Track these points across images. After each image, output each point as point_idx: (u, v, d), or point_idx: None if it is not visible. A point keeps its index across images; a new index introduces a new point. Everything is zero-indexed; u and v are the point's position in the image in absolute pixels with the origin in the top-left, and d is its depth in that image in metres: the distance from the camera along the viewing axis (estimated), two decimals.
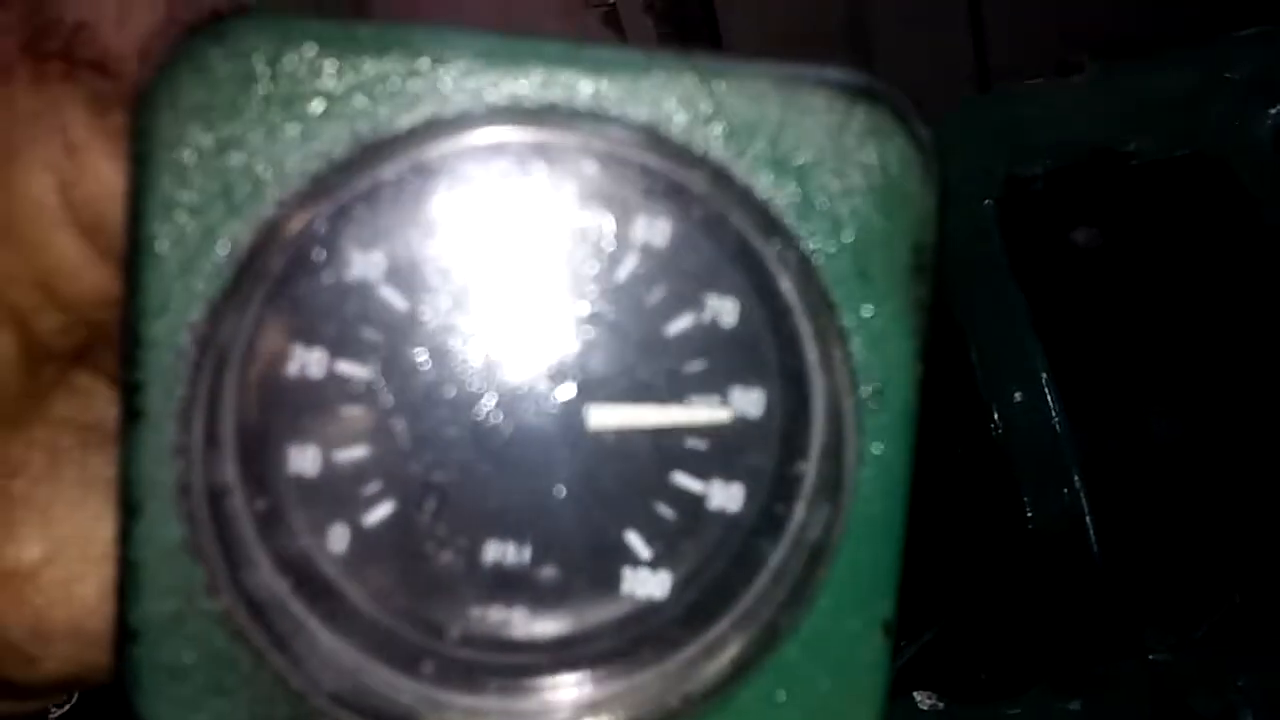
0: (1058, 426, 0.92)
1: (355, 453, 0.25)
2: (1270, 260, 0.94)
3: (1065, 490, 0.91)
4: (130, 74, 0.24)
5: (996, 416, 0.93)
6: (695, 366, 0.24)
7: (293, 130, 0.22)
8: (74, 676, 0.30)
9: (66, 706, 1.02)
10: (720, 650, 0.25)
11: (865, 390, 0.23)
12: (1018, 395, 0.93)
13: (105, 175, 0.24)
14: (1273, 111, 1.07)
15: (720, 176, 0.23)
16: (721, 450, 0.24)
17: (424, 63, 0.22)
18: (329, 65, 0.22)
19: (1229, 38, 1.17)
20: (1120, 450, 0.99)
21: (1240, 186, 0.99)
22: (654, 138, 0.22)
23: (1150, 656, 0.82)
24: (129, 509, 0.24)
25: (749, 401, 0.25)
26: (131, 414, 0.24)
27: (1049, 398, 0.93)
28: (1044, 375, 0.94)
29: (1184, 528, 1.01)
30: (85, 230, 0.25)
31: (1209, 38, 1.19)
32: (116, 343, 0.25)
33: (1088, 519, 0.89)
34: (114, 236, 0.24)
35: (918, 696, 0.83)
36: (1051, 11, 3.23)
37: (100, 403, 0.29)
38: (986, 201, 1.08)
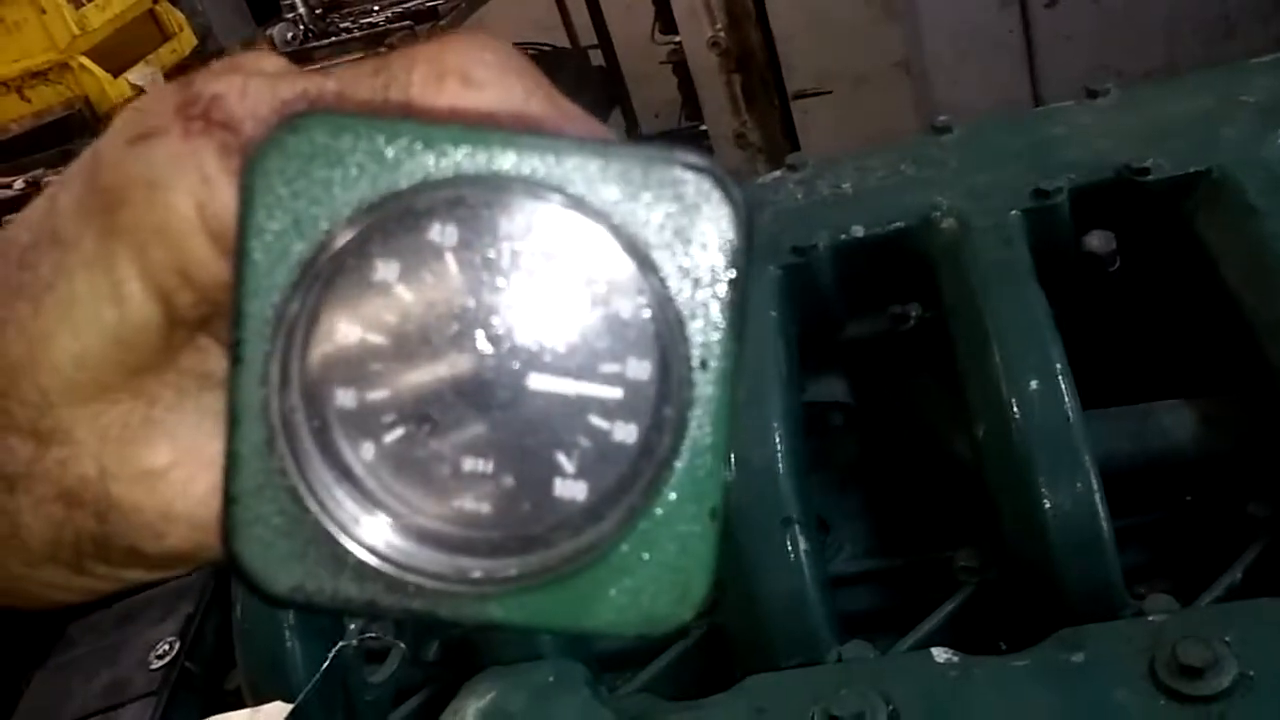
0: (1070, 415, 0.99)
1: (379, 394, 0.35)
2: (1272, 266, 1.01)
3: (1077, 474, 0.97)
4: (247, 131, 0.35)
5: (1015, 406, 1.00)
6: (604, 343, 0.35)
7: (337, 187, 0.34)
8: (188, 551, 0.40)
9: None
10: (607, 529, 0.36)
11: (696, 360, 0.34)
12: (1035, 386, 1.00)
13: (228, 199, 0.35)
14: None
15: (609, 222, 0.34)
16: (622, 400, 0.35)
17: (417, 144, 0.34)
18: (361, 147, 0.34)
19: (1245, 64, 1.24)
20: (1130, 439, 1.06)
21: (1246, 201, 1.07)
22: (564, 195, 0.34)
23: (1150, 618, 0.89)
24: (232, 420, 0.36)
25: (640, 369, 0.35)
26: (234, 359, 0.35)
27: (1063, 388, 1.00)
28: (1059, 368, 1.01)
29: (1188, 512, 1.08)
30: (213, 236, 0.35)
31: (1227, 64, 1.26)
32: (228, 314, 0.36)
33: (1097, 497, 0.96)
34: (232, 241, 0.35)
35: (935, 652, 0.90)
36: (1104, 45, 3.29)
37: (214, 358, 0.39)
38: (1014, 212, 1.16)
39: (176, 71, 4.02)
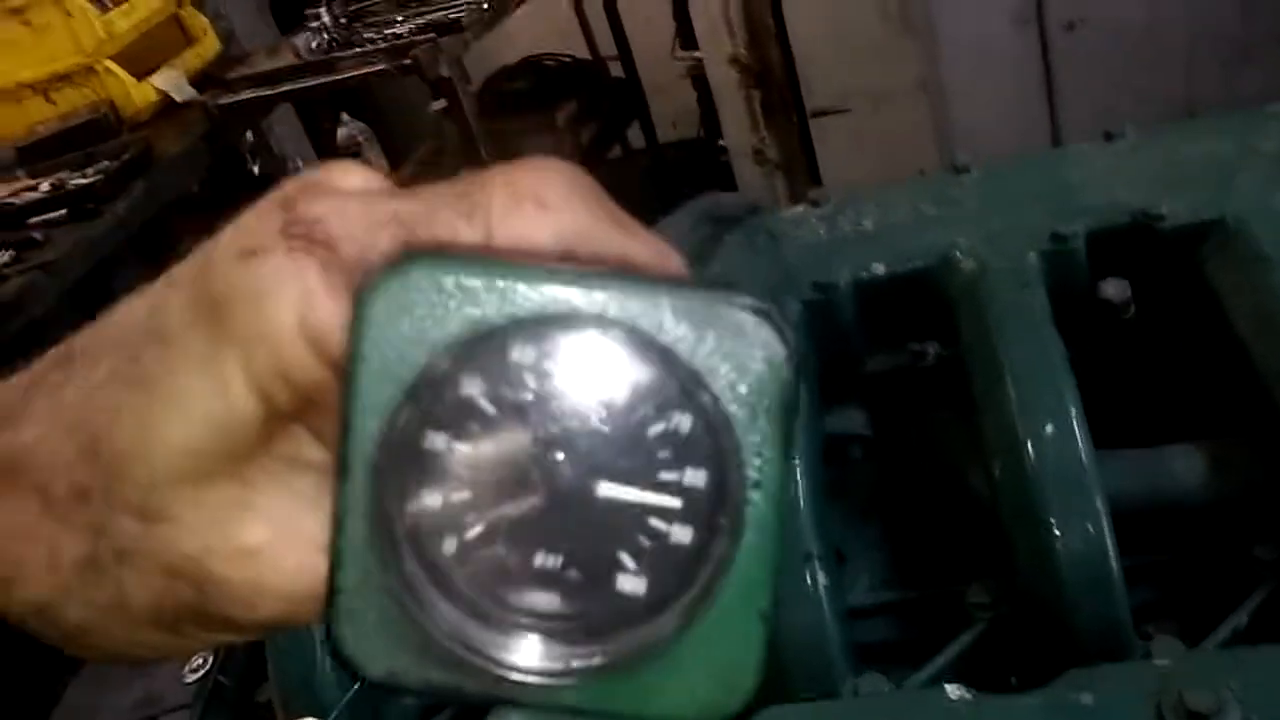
0: (1084, 457, 1.02)
1: (461, 495, 0.39)
2: None
3: (1089, 514, 1.00)
4: (345, 250, 0.39)
5: (1030, 447, 1.03)
6: (665, 455, 0.38)
7: (435, 324, 0.38)
8: (276, 621, 0.44)
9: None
10: (666, 625, 0.39)
11: (751, 478, 0.38)
12: (1049, 428, 1.03)
13: (327, 311, 0.38)
14: None
15: (673, 355, 0.38)
16: (679, 506, 0.39)
17: (506, 285, 0.37)
18: (458, 288, 0.37)
19: (1261, 111, 1.27)
20: (1140, 481, 1.09)
21: (1259, 251, 1.09)
22: (634, 330, 0.38)
23: (1156, 661, 0.92)
24: (338, 521, 0.39)
25: (696, 477, 0.38)
26: (342, 470, 0.39)
27: (1077, 432, 1.03)
28: (1073, 410, 1.04)
29: (1196, 554, 1.11)
30: (312, 344, 0.39)
31: (1243, 111, 1.29)
32: (324, 411, 0.40)
33: (1108, 538, 0.99)
34: (329, 347, 0.38)
35: (949, 688, 0.93)
36: (1122, 68, 3.31)
37: (305, 444, 0.43)
38: (1031, 255, 1.19)
39: (200, 77, 4.06)
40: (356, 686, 1.12)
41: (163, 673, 1.29)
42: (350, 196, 0.41)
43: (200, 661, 1.25)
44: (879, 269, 1.26)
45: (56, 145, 3.70)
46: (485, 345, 0.38)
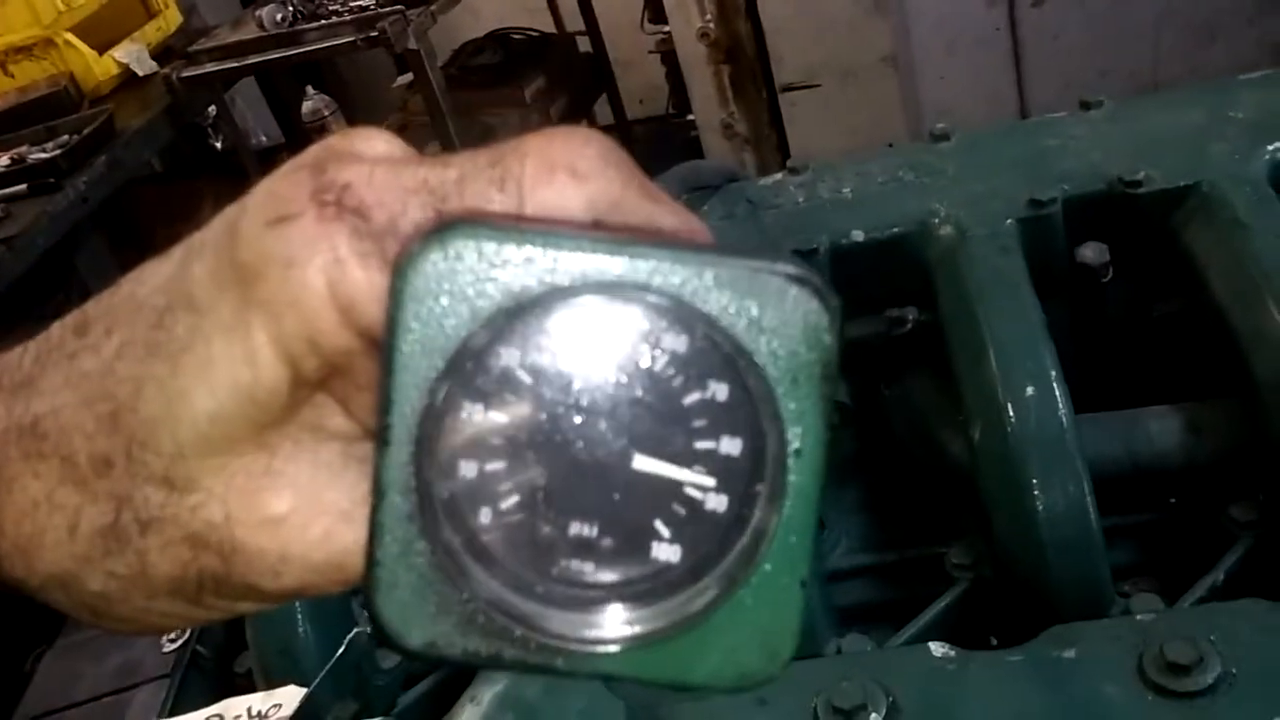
0: (1064, 420, 1.03)
1: (497, 465, 0.38)
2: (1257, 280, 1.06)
3: (1069, 476, 1.01)
4: (376, 217, 0.38)
5: (1011, 410, 1.04)
6: (701, 423, 0.38)
7: (477, 294, 0.37)
8: (299, 589, 0.44)
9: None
10: (705, 592, 0.39)
11: (791, 446, 0.38)
12: (1029, 391, 1.04)
13: (357, 277, 0.38)
14: (1270, 148, 1.19)
15: (714, 324, 0.37)
16: (715, 476, 0.39)
17: (547, 255, 0.37)
18: (499, 257, 0.37)
19: (1234, 80, 1.29)
20: (1118, 444, 1.11)
21: (1234, 216, 1.11)
22: (677, 299, 0.37)
23: (1137, 617, 0.93)
24: (378, 493, 0.39)
25: (732, 446, 0.38)
26: (382, 442, 0.38)
27: (1057, 394, 1.04)
28: (1053, 374, 1.05)
29: (1173, 514, 1.13)
30: (341, 310, 0.38)
31: (1217, 80, 1.31)
32: (351, 380, 0.39)
33: (1088, 499, 1.00)
34: (358, 315, 0.38)
35: (932, 646, 0.94)
36: (1090, 45, 3.33)
37: (330, 413, 0.42)
38: (1009, 221, 1.20)
39: (162, 50, 4.01)
40: (339, 654, 1.11)
41: (141, 642, 1.27)
42: (378, 163, 0.40)
43: (178, 631, 1.24)
44: (857, 235, 1.26)
45: (16, 119, 3.64)
46: (525, 315, 0.37)
